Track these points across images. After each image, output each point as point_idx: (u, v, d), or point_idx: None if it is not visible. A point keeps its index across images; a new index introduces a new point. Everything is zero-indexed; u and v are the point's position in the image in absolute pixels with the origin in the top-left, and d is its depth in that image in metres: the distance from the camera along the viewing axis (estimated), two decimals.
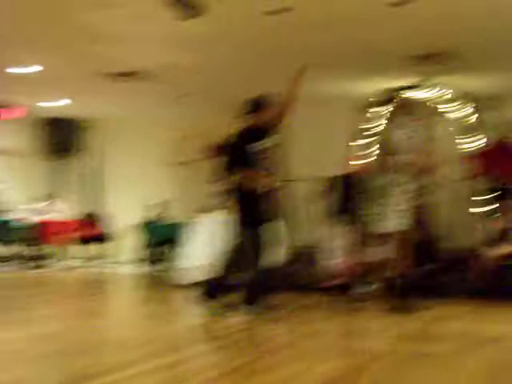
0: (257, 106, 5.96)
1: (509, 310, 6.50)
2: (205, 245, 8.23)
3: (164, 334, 4.85)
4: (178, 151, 13.22)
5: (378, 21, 7.37)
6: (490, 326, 5.34)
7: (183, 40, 8.08)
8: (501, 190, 8.75)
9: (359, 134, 9.71)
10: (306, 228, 9.88)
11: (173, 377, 3.33)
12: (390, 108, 5.89)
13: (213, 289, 5.98)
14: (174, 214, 12.21)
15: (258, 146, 5.82)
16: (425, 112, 10.07)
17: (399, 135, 5.76)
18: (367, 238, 5.90)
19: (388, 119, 5.94)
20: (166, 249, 11.97)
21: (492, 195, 8.96)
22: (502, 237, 8.06)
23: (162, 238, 11.67)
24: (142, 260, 12.04)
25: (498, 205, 8.35)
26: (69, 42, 8.17)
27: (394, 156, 5.82)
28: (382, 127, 5.92)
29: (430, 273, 7.95)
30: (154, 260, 12.19)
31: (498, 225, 8.20)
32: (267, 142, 5.85)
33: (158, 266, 12.05)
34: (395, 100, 6.00)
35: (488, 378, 3.40)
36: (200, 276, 8.32)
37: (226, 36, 7.97)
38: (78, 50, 8.51)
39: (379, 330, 5.28)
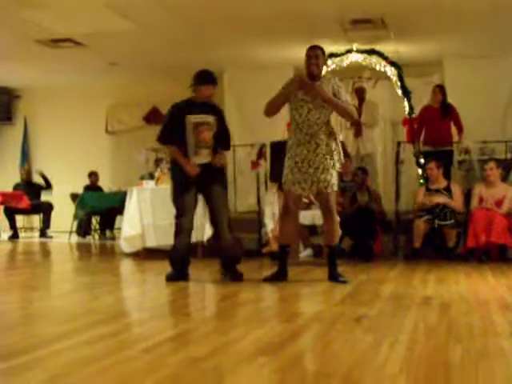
0: (198, 80, 5.93)
1: (435, 272, 6.69)
2: (143, 213, 8.22)
3: (102, 305, 4.83)
4: (113, 119, 13.10)
5: None
6: (417, 289, 5.49)
7: (115, 5, 7.96)
8: (431, 153, 8.97)
9: None
10: (251, 194, 9.94)
11: (111, 346, 3.34)
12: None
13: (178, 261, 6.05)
14: (112, 183, 12.13)
15: (193, 119, 5.86)
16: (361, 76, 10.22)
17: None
18: (291, 204, 5.86)
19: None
20: (104, 218, 11.92)
21: (423, 159, 9.20)
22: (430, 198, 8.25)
23: (99, 206, 11.57)
24: (79, 230, 11.94)
25: (431, 168, 8.52)
26: None
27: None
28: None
29: (370, 235, 8.12)
30: (93, 229, 12.14)
31: (430, 188, 8.39)
32: (203, 117, 5.89)
33: (97, 236, 12.01)
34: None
35: (417, 339, 3.51)
36: (134, 246, 8.34)
37: (158, 1, 7.88)
38: (6, 16, 8.29)
39: (314, 295, 5.38)
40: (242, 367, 2.94)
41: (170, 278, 5.96)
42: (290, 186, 5.82)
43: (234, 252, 6.06)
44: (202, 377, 2.80)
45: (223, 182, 6.14)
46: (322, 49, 5.84)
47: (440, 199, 8.08)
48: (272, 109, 5.87)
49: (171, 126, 5.97)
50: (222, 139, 6.08)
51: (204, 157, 5.93)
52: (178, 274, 5.99)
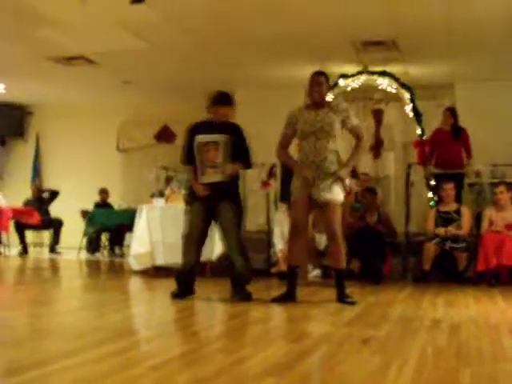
0: (214, 101, 6.01)
1: (445, 295, 6.65)
2: (153, 231, 8.23)
3: (110, 322, 4.82)
4: (124, 136, 13.16)
5: (322, 10, 7.45)
6: (426, 311, 5.46)
7: (128, 25, 8.02)
8: (442, 176, 8.95)
9: None
10: (258, 214, 9.93)
11: (118, 364, 3.32)
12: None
13: (184, 280, 6.07)
14: (122, 200, 12.16)
15: (200, 139, 5.93)
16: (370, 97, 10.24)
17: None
18: (300, 224, 5.87)
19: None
20: (113, 235, 11.94)
21: (434, 181, 9.18)
22: (444, 221, 8.24)
23: (109, 223, 11.60)
24: (88, 247, 11.96)
25: (441, 190, 8.52)
26: (11, 25, 8.03)
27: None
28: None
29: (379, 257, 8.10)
30: (102, 246, 12.16)
31: (441, 210, 8.37)
32: (209, 137, 5.93)
33: (106, 253, 12.02)
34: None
35: (426, 362, 3.48)
36: (143, 264, 8.34)
37: (170, 22, 7.94)
38: (20, 32, 8.37)
39: (322, 316, 5.36)
40: None
41: (175, 296, 5.96)
42: (296, 195, 5.82)
43: (243, 273, 6.02)
44: None
45: (234, 201, 6.05)
46: (325, 75, 5.87)
47: (449, 231, 8.05)
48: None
49: (188, 147, 6.04)
50: (241, 157, 6.05)
51: (211, 176, 5.94)
52: (183, 292, 5.99)
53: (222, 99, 6.03)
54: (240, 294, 5.98)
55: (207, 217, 6.02)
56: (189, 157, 6.04)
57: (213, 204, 5.96)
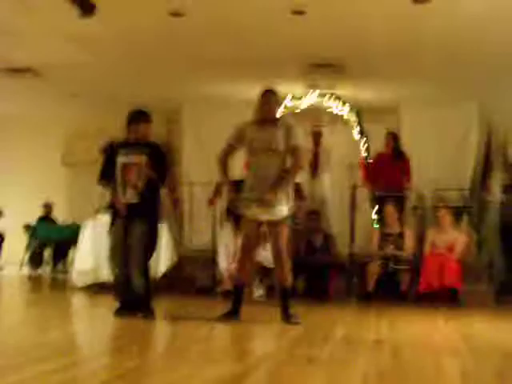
0: (128, 121, 6.05)
1: (387, 315, 6.73)
2: (97, 247, 8.13)
3: (51, 339, 4.74)
4: (69, 151, 12.98)
5: (272, 30, 7.52)
6: (369, 331, 5.52)
7: (79, 38, 7.95)
8: (384, 197, 9.07)
9: None
10: (206, 231, 9.89)
11: (61, 382, 3.26)
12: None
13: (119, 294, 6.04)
14: (66, 215, 11.97)
15: (121, 159, 5.94)
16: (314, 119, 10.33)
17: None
18: (249, 242, 5.87)
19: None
20: (59, 251, 11.73)
21: (376, 203, 9.30)
22: (387, 242, 8.37)
23: (53, 238, 11.41)
24: (30, 262, 11.72)
25: (383, 212, 8.66)
26: None
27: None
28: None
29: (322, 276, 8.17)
30: (36, 264, 11.88)
31: (384, 232, 8.50)
32: (130, 158, 5.93)
33: (49, 268, 11.79)
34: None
35: (370, 381, 3.52)
36: (87, 280, 8.23)
37: (118, 37, 7.91)
38: None
39: (266, 335, 5.36)
40: None
41: (117, 313, 5.90)
42: (243, 210, 5.82)
43: (141, 294, 5.91)
44: None
45: (149, 222, 6.01)
46: (275, 92, 5.91)
47: (392, 251, 8.18)
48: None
49: (107, 167, 6.06)
50: (160, 175, 6.03)
51: (131, 197, 5.93)
52: (124, 308, 5.93)
53: (141, 117, 6.07)
54: (144, 312, 5.87)
55: (126, 233, 5.99)
56: (106, 176, 6.05)
57: (130, 221, 5.94)
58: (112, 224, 6.06)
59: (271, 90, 5.91)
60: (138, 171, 5.91)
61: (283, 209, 5.75)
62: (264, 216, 5.73)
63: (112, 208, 6.10)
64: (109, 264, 6.07)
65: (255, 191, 5.73)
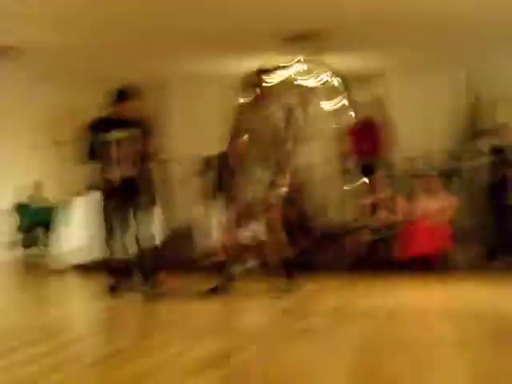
0: (118, 98, 6.01)
1: (379, 282, 6.75)
2: (81, 227, 8.09)
3: (43, 321, 4.71)
4: (50, 131, 12.85)
5: (253, 2, 7.43)
6: (362, 299, 5.53)
7: (52, 18, 7.82)
8: (368, 166, 9.06)
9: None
10: (183, 207, 9.87)
11: (48, 365, 3.24)
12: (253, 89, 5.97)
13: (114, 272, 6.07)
14: (48, 196, 11.87)
15: (108, 136, 5.90)
16: (295, 91, 10.25)
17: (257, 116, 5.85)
18: (242, 217, 5.93)
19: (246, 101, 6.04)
20: (40, 232, 11.64)
21: (360, 171, 9.27)
22: (372, 211, 8.37)
23: (36, 220, 11.32)
24: (14, 244, 11.63)
25: (366, 180, 8.66)
26: None
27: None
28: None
29: (305, 249, 8.16)
30: (28, 244, 11.81)
31: (367, 200, 8.50)
32: (123, 133, 5.91)
33: (33, 251, 11.70)
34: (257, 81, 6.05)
35: (363, 350, 3.52)
36: (78, 259, 8.19)
37: (94, 15, 7.79)
38: None
39: (257, 309, 5.36)
40: (190, 379, 2.90)
41: (109, 290, 5.91)
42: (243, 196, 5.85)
43: (150, 262, 6.01)
44: None
45: (148, 195, 6.10)
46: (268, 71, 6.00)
47: (382, 217, 8.19)
48: None
49: (91, 144, 6.00)
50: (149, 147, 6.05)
51: (126, 171, 5.92)
52: (117, 284, 5.96)
53: (120, 96, 6.03)
54: (148, 283, 5.92)
55: (125, 209, 5.99)
56: (92, 153, 5.99)
57: (129, 196, 5.93)
58: (105, 203, 6.02)
59: (265, 70, 5.98)
60: (132, 145, 5.90)
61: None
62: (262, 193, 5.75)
63: (101, 186, 6.05)
64: (106, 243, 6.04)
65: (253, 170, 5.75)
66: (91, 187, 9.72)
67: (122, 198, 5.94)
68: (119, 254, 5.99)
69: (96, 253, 8.03)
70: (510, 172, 8.70)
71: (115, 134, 5.89)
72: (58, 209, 8.81)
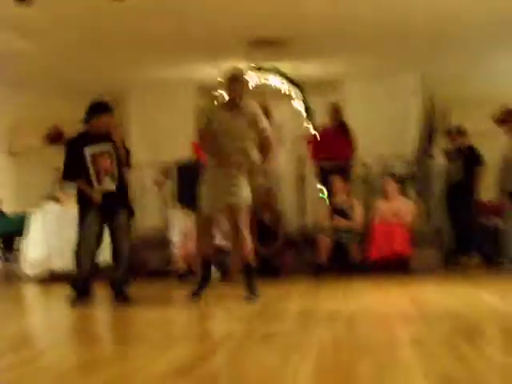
0: (90, 113, 6.04)
1: (341, 286, 6.87)
2: (47, 235, 8.07)
3: (6, 333, 4.71)
4: (14, 139, 12.73)
5: (213, 9, 7.50)
6: (325, 303, 5.64)
7: (17, 26, 7.80)
8: (330, 170, 9.19)
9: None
10: (153, 213, 9.88)
11: (20, 375, 3.26)
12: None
13: (80, 286, 6.05)
14: (13, 205, 11.75)
15: (90, 150, 5.94)
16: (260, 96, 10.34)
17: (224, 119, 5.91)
18: (209, 223, 5.99)
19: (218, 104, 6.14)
20: (6, 241, 11.52)
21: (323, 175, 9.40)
22: (336, 214, 8.51)
23: (2, 230, 11.20)
24: None
25: (332, 184, 8.78)
26: None
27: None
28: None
29: (274, 253, 8.27)
30: None
31: (332, 203, 8.63)
32: (100, 147, 5.96)
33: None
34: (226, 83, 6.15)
35: (325, 355, 3.62)
36: (43, 267, 8.16)
37: (58, 22, 7.78)
38: None
39: (225, 314, 5.44)
40: None
41: (73, 302, 5.93)
42: (207, 211, 5.95)
43: (125, 279, 6.08)
44: None
45: (129, 208, 6.18)
46: (243, 76, 6.10)
47: (341, 223, 8.32)
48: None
49: (71, 162, 6.02)
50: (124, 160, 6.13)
51: (108, 185, 5.98)
52: (81, 297, 5.97)
53: (99, 109, 6.06)
54: (120, 297, 5.97)
55: (101, 224, 6.05)
56: (73, 171, 6.03)
57: (108, 211, 6.00)
58: (82, 217, 6.03)
59: (240, 73, 6.06)
60: (111, 159, 5.97)
61: (246, 192, 5.91)
62: (227, 200, 5.83)
63: (81, 200, 6.07)
64: (75, 256, 6.05)
65: (219, 176, 5.84)
66: (48, 199, 9.72)
67: (101, 212, 5.98)
68: (87, 266, 5.99)
69: (56, 264, 8.05)
70: (465, 175, 8.93)
71: (93, 149, 5.93)
72: (24, 218, 8.76)
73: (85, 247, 6.00)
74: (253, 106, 6.04)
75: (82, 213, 6.04)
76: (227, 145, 5.84)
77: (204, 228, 6.02)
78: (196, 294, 5.90)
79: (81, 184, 6.04)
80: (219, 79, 6.42)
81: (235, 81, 5.92)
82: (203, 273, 6.09)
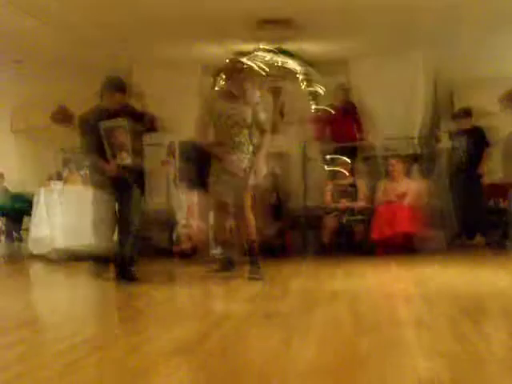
0: (105, 89, 6.04)
1: (345, 266, 6.88)
2: (55, 215, 8.10)
3: (12, 309, 4.74)
4: (21, 118, 12.76)
5: None
6: (328, 283, 5.65)
7: (22, 3, 7.79)
8: (336, 150, 9.18)
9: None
10: (159, 193, 9.88)
11: (23, 352, 3.29)
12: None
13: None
14: (20, 184, 11.80)
15: (104, 125, 5.93)
16: (265, 78, 10.32)
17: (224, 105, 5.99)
18: (215, 204, 6.06)
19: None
20: (13, 220, 11.60)
21: (333, 156, 9.39)
22: (341, 194, 8.51)
23: (8, 208, 11.27)
24: None
25: (337, 165, 8.78)
26: None
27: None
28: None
29: (279, 233, 8.29)
30: (1, 232, 11.78)
31: (337, 184, 8.63)
32: (114, 122, 5.95)
33: (6, 238, 11.67)
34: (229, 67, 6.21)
35: (326, 333, 3.63)
36: (43, 248, 8.20)
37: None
38: None
39: (227, 293, 5.46)
40: (158, 367, 2.97)
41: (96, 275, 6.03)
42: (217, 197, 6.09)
43: (134, 255, 6.08)
44: (118, 378, 2.81)
45: (142, 185, 6.18)
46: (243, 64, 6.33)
47: (346, 203, 8.32)
48: None
49: (90, 137, 6.00)
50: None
51: (124, 159, 5.98)
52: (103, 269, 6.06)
53: (116, 86, 6.06)
54: (126, 275, 5.98)
55: (116, 198, 6.05)
56: (94, 146, 6.00)
57: (122, 186, 5.98)
58: (99, 192, 6.03)
59: (239, 61, 6.13)
60: (125, 133, 5.95)
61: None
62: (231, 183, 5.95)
63: (96, 176, 6.10)
64: (95, 231, 6.06)
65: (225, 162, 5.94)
66: (54, 177, 9.76)
67: (117, 187, 5.97)
68: (106, 243, 6.01)
69: (61, 242, 8.07)
70: (471, 156, 8.90)
71: (107, 124, 5.92)
72: (30, 196, 8.80)
73: (105, 222, 6.01)
74: (256, 97, 6.12)
75: (98, 188, 6.05)
76: (226, 134, 5.96)
77: (220, 213, 6.09)
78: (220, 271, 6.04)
79: (96, 159, 6.04)
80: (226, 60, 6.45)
81: (233, 73, 6.08)
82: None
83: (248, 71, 6.28)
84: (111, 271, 6.04)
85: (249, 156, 6.00)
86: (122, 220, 6.08)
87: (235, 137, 5.96)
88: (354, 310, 4.30)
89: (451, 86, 10.70)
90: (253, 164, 5.98)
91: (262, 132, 6.12)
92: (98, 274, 6.03)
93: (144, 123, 6.11)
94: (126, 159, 5.97)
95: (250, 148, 6.03)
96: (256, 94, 6.23)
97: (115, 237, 6.11)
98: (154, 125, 6.21)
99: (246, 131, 5.99)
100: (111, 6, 8.09)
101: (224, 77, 6.12)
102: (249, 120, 5.98)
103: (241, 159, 5.97)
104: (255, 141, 6.11)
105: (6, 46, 9.79)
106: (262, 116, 6.09)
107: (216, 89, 6.34)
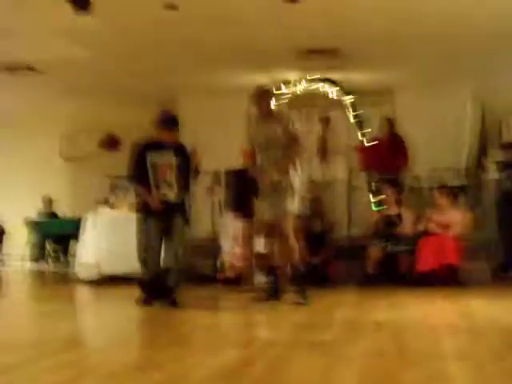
0: (162, 124, 6.21)
1: (390, 297, 6.82)
2: (101, 239, 8.22)
3: (61, 333, 4.83)
4: (68, 145, 13.01)
5: (266, 18, 7.57)
6: (372, 314, 5.62)
7: (75, 34, 7.98)
8: (381, 180, 9.15)
9: None
10: (206, 220, 9.96)
11: (72, 374, 3.35)
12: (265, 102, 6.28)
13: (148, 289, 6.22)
14: (68, 209, 12.03)
15: (152, 157, 6.10)
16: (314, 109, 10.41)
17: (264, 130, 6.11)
18: (260, 230, 6.15)
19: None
20: (61, 244, 11.80)
21: (376, 186, 9.37)
22: (387, 225, 8.47)
23: (56, 233, 11.48)
24: (36, 256, 11.79)
25: (383, 195, 8.76)
26: None
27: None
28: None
29: (322, 261, 8.28)
30: (37, 258, 11.95)
31: (383, 214, 8.60)
32: (162, 157, 6.13)
33: (54, 263, 11.86)
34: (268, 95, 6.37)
35: (369, 364, 3.62)
36: (98, 271, 8.31)
37: (112, 28, 7.94)
38: None
39: (272, 321, 5.47)
40: None
41: (143, 302, 6.12)
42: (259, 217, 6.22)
43: (178, 284, 6.18)
44: None
45: (184, 217, 6.30)
46: (269, 89, 6.44)
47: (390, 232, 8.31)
48: None
49: (137, 164, 6.18)
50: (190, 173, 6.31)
51: (167, 193, 6.13)
52: (149, 299, 6.15)
53: (170, 123, 6.23)
54: (170, 301, 6.06)
55: (161, 230, 6.16)
56: (138, 174, 6.17)
57: (166, 218, 6.11)
58: (143, 221, 6.17)
59: (265, 87, 6.37)
60: (171, 170, 6.14)
61: (291, 201, 6.10)
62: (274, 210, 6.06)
63: (142, 207, 6.22)
64: (142, 260, 6.18)
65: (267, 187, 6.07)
66: (101, 203, 9.90)
67: (161, 218, 6.10)
68: (152, 270, 6.12)
69: (107, 267, 8.18)
70: None
71: (155, 157, 6.11)
72: (79, 221, 8.96)
73: (151, 251, 6.12)
74: (285, 113, 6.29)
75: (143, 218, 6.19)
76: (265, 155, 6.16)
77: (269, 239, 6.27)
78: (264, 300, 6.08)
79: (139, 189, 6.23)
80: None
81: (260, 98, 6.24)
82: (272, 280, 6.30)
83: (271, 93, 6.41)
84: (156, 297, 6.11)
85: (287, 175, 6.07)
86: (166, 248, 6.19)
87: (273, 156, 6.07)
88: (398, 342, 4.27)
89: (499, 115, 10.59)
90: (292, 182, 6.05)
91: (294, 141, 6.15)
92: (143, 299, 6.12)
93: (191, 164, 6.26)
94: (170, 195, 6.13)
95: (289, 165, 6.10)
96: (284, 112, 6.40)
97: (161, 263, 6.19)
98: (197, 169, 6.34)
99: (281, 149, 6.07)
100: (160, 36, 8.26)
101: (253, 103, 6.28)
102: (281, 137, 6.07)
103: (279, 178, 6.06)
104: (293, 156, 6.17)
105: (58, 75, 10.05)
106: (291, 127, 6.16)
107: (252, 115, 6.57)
